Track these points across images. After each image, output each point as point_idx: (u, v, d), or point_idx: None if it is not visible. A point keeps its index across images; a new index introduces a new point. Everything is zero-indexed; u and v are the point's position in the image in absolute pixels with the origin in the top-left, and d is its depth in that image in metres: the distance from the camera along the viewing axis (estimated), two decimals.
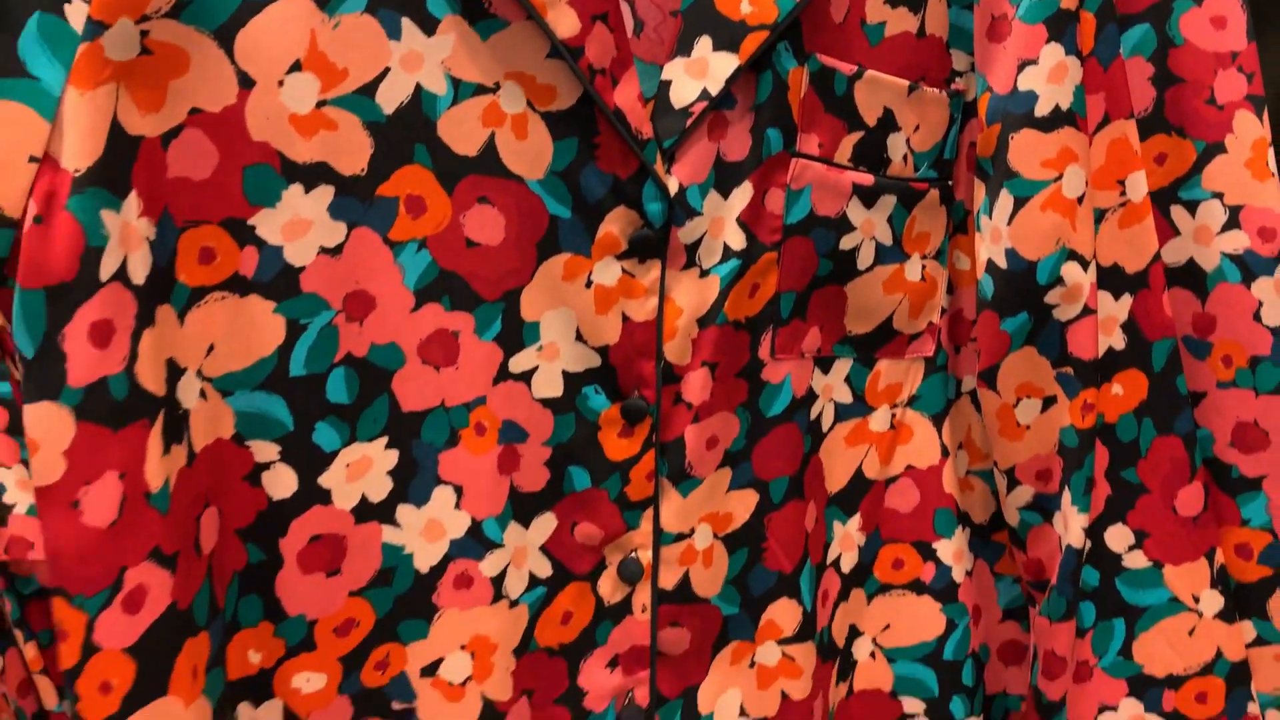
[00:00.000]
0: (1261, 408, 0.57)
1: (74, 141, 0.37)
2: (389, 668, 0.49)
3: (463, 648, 0.50)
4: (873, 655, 0.61)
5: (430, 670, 0.49)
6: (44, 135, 0.37)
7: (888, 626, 0.61)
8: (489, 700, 0.50)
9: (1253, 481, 0.58)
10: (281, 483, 0.45)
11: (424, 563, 0.48)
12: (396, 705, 0.49)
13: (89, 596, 0.40)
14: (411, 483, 0.48)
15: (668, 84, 0.49)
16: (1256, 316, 0.56)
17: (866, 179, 0.53)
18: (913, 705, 0.61)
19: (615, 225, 0.49)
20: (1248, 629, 0.59)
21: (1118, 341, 0.56)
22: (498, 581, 0.50)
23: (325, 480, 0.46)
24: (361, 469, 0.47)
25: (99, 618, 0.40)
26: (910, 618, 0.60)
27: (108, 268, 0.39)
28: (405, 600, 0.48)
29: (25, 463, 0.76)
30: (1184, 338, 0.58)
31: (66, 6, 0.38)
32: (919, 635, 0.60)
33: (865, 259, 0.54)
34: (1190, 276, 0.57)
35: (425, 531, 0.48)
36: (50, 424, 0.38)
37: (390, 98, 0.44)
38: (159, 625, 0.42)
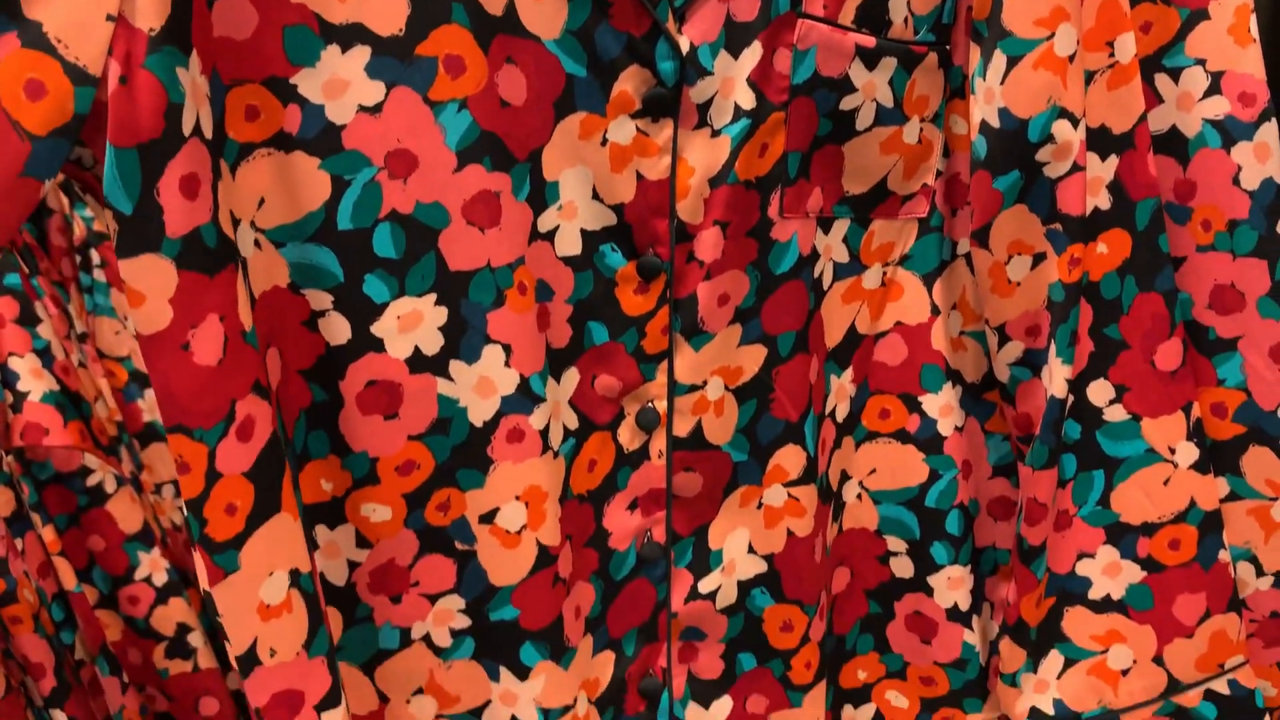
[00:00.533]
0: (1238, 270, 0.68)
1: (145, 1, 0.44)
2: (450, 510, 0.59)
3: (518, 498, 0.60)
4: (859, 497, 0.74)
5: (488, 518, 0.60)
6: None
7: (873, 471, 0.73)
8: (544, 546, 0.61)
9: (1228, 342, 0.69)
10: (336, 330, 0.55)
11: (478, 417, 0.58)
12: (459, 545, 0.60)
13: (208, 429, 0.49)
14: (462, 340, 0.57)
15: None
16: (1235, 180, 0.67)
17: (869, 41, 0.62)
18: (896, 544, 0.74)
19: (629, 84, 0.58)
20: (1221, 485, 0.71)
21: (1103, 201, 0.66)
22: (544, 434, 0.60)
23: (377, 329, 0.55)
24: (412, 322, 0.55)
25: (218, 447, 0.50)
26: (894, 464, 0.73)
27: (188, 123, 0.46)
28: (461, 450, 0.58)
29: (37, 351, 0.86)
30: (1166, 204, 0.68)
31: None
32: (902, 481, 0.73)
33: (865, 120, 0.64)
34: (1172, 143, 0.67)
35: (478, 388, 0.58)
36: (154, 275, 0.46)
37: None
38: (267, 450, 0.52)
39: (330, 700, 0.57)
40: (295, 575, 0.54)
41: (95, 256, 1.06)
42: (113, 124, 0.44)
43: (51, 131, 0.43)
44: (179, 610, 1.00)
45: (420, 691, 0.63)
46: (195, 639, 1.02)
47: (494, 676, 0.62)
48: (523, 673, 0.62)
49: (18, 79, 0.42)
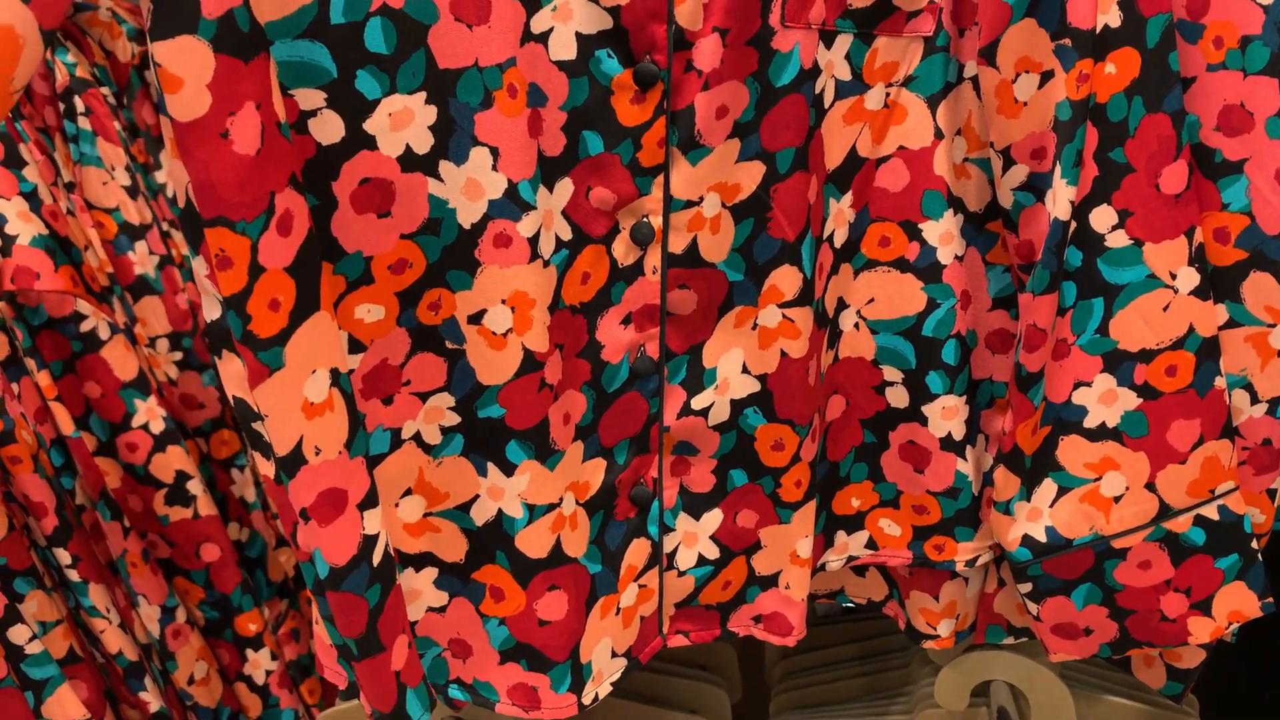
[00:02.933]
0: (1249, 89, 0.68)
1: None
2: (440, 310, 0.62)
3: (504, 301, 0.62)
4: (856, 326, 0.75)
5: (476, 319, 0.62)
6: None
7: (871, 300, 0.74)
8: (529, 350, 0.63)
9: (1235, 165, 0.69)
10: (329, 128, 0.55)
11: (466, 219, 0.60)
12: (449, 345, 0.62)
13: (250, 221, 0.50)
14: (450, 140, 0.58)
15: None
16: None
17: None
18: (892, 374, 0.76)
19: None
20: (1221, 312, 0.72)
21: (1114, 19, 0.65)
22: (533, 242, 0.61)
23: (370, 126, 0.56)
24: (404, 120, 0.56)
25: (260, 240, 0.51)
26: (893, 293, 0.74)
27: None
28: (451, 251, 0.60)
29: (25, 195, 0.85)
30: (1177, 21, 0.67)
31: None
32: (899, 310, 0.74)
33: None
34: None
35: (465, 190, 0.59)
36: (191, 57, 0.47)
37: None
38: (305, 246, 0.54)
39: (370, 501, 0.60)
40: (335, 374, 0.57)
41: (79, 104, 1.04)
42: None
43: None
44: (177, 458, 1.02)
45: (409, 492, 0.66)
46: (194, 486, 1.03)
47: (482, 472, 0.66)
48: (509, 469, 0.65)
49: None
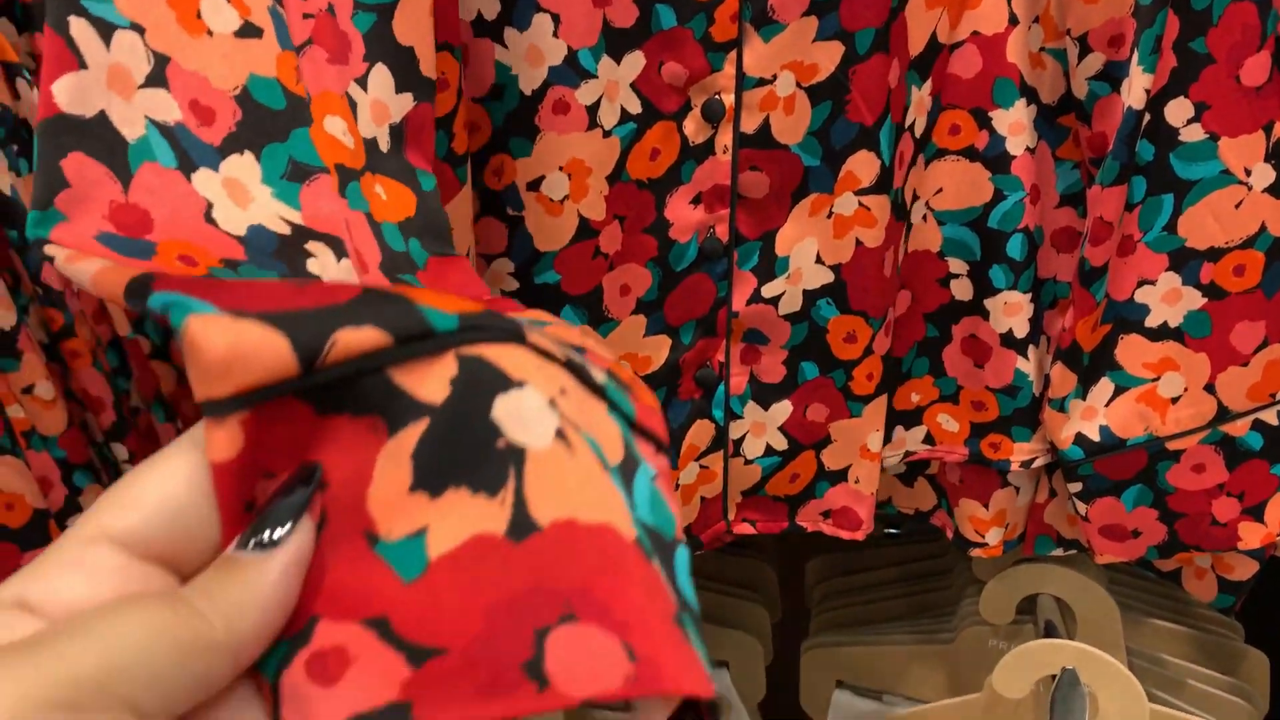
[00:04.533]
0: None
1: None
2: (503, 176, 0.64)
3: (561, 169, 0.64)
4: (924, 218, 0.76)
5: (534, 185, 0.65)
6: None
7: (939, 190, 0.75)
8: (584, 218, 0.66)
9: None
10: None
11: (527, 85, 0.62)
12: (510, 211, 0.65)
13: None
14: (516, 6, 0.60)
15: None
16: None
17: None
18: (958, 266, 0.76)
19: None
20: None
21: None
22: (592, 110, 0.64)
23: None
24: None
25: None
26: (960, 182, 0.74)
27: None
28: (513, 116, 0.63)
29: None
30: None
31: None
32: (967, 200, 0.74)
33: None
34: None
35: (527, 56, 0.61)
36: None
37: None
38: None
39: None
40: None
41: None
42: None
43: None
44: None
45: None
46: None
47: None
48: None
49: None
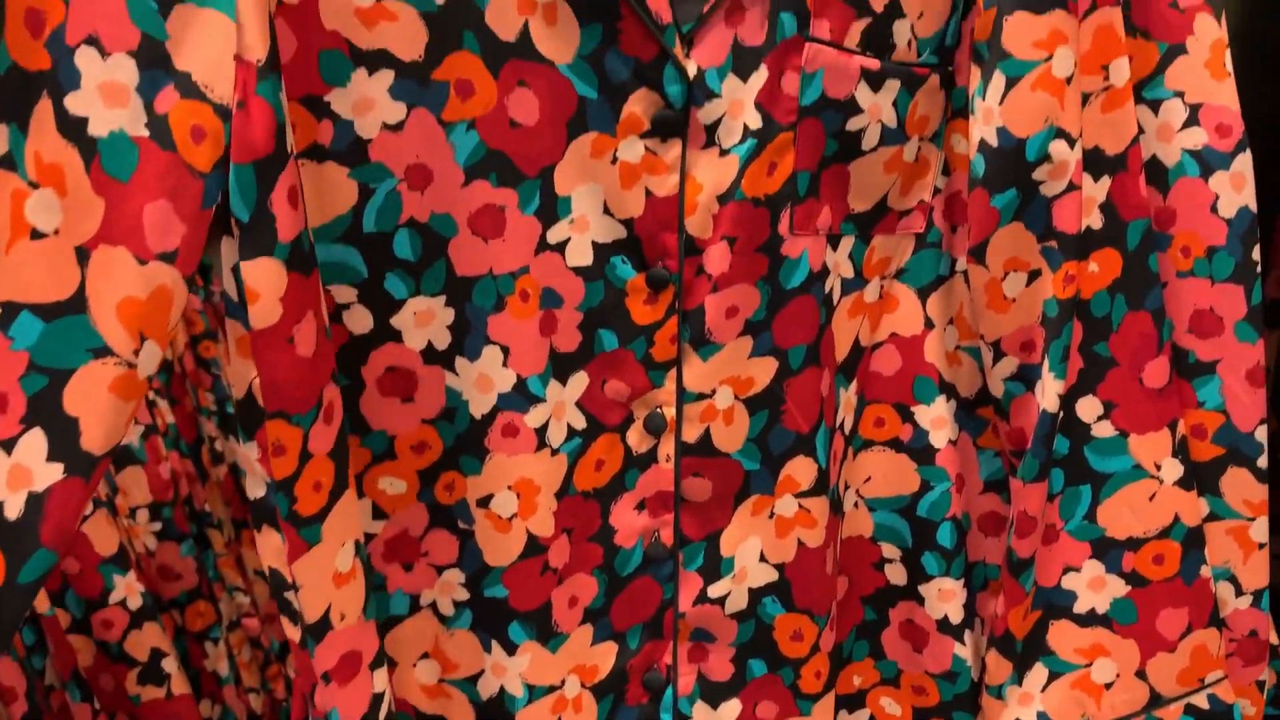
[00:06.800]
0: (1216, 295, 0.74)
1: (251, 36, 0.52)
2: (454, 491, 0.67)
3: (510, 488, 0.67)
4: (856, 505, 0.80)
5: (484, 502, 0.68)
6: (234, 34, 0.51)
7: (869, 479, 0.79)
8: (533, 535, 0.69)
9: (1208, 365, 0.75)
10: (360, 321, 0.63)
11: (477, 410, 0.66)
12: (461, 524, 0.68)
13: (304, 414, 0.57)
14: (466, 339, 0.64)
15: None
16: (1213, 209, 0.73)
17: (873, 64, 0.68)
18: (890, 551, 0.80)
19: (638, 106, 0.64)
20: (1202, 505, 0.77)
21: (1095, 221, 0.72)
22: (541, 432, 0.67)
23: (396, 322, 0.63)
24: (426, 318, 0.64)
25: (311, 430, 0.58)
26: (888, 471, 0.79)
27: (288, 140, 0.55)
28: (464, 438, 0.66)
29: None
30: None
31: None
32: (895, 488, 0.79)
33: (870, 140, 0.70)
34: (1153, 172, 0.73)
35: (477, 383, 0.65)
36: (270, 276, 0.54)
37: None
38: (341, 431, 0.61)
39: (379, 660, 0.66)
40: (357, 544, 0.63)
41: None
42: (234, 144, 0.52)
43: (214, 165, 0.52)
44: (153, 635, 1.02)
45: (426, 656, 0.71)
46: (169, 664, 1.03)
47: (486, 648, 0.70)
48: (510, 648, 0.70)
49: (185, 127, 0.51)
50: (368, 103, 0.58)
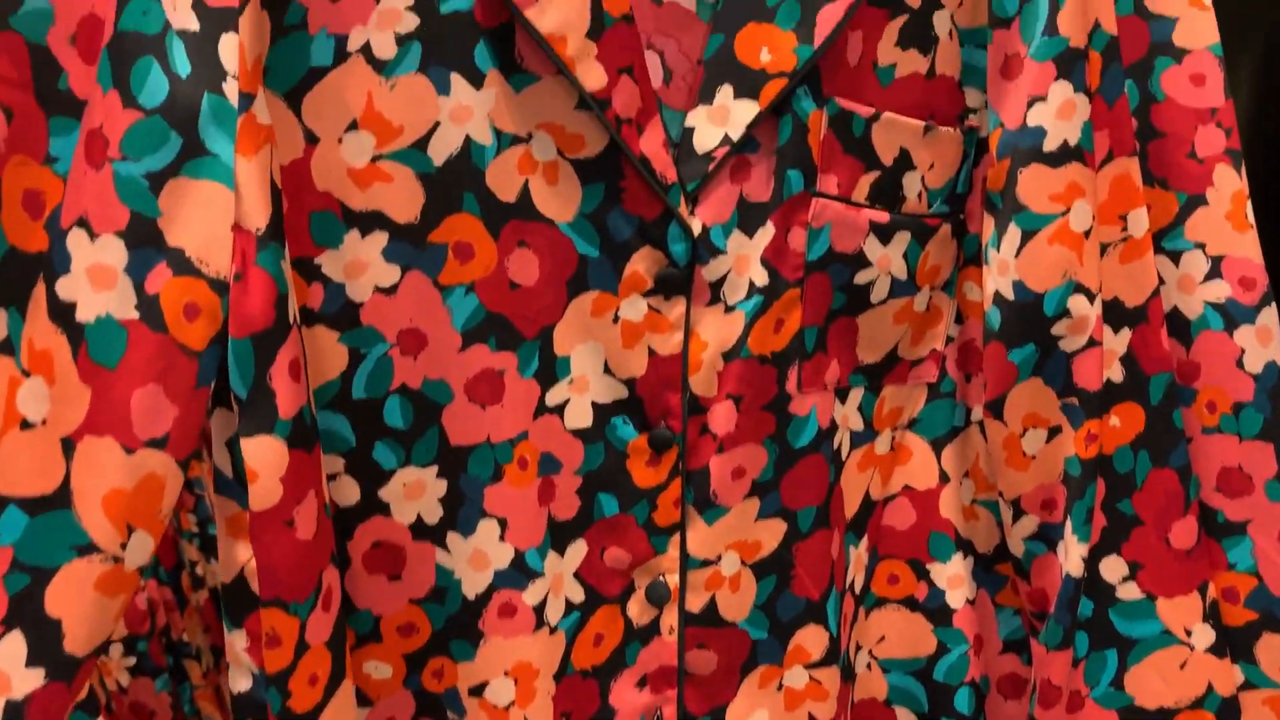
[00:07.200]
0: (1245, 453, 0.71)
1: (251, 204, 0.50)
2: (443, 678, 0.63)
3: (506, 674, 0.63)
4: (869, 666, 0.76)
5: (477, 691, 0.63)
6: (232, 205, 0.50)
7: (882, 638, 0.75)
8: None
9: (1238, 526, 0.72)
10: (346, 492, 0.59)
11: (471, 590, 0.62)
12: (451, 715, 0.63)
13: (302, 602, 0.54)
14: (459, 512, 0.61)
15: (691, 130, 0.62)
16: (1239, 363, 0.71)
17: (882, 216, 0.66)
18: (905, 716, 0.76)
19: (641, 264, 0.62)
20: (1236, 673, 0.73)
21: (1116, 374, 0.70)
22: (539, 610, 0.63)
23: (385, 494, 0.60)
24: (416, 491, 0.60)
25: (309, 619, 0.54)
26: (903, 632, 0.75)
27: (290, 311, 0.52)
28: (455, 620, 0.62)
29: None
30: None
31: (224, 85, 0.49)
32: (911, 650, 0.75)
33: (879, 293, 0.68)
34: (1175, 324, 0.71)
35: (472, 560, 0.62)
36: (268, 455, 0.51)
37: (440, 150, 0.57)
38: (339, 617, 0.57)
39: None
40: None
41: None
42: (231, 317, 0.50)
43: (210, 342, 0.50)
44: None
45: None
46: None
47: None
48: None
49: (177, 305, 0.49)
50: (360, 265, 0.57)
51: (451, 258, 0.58)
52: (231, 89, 0.49)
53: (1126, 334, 0.69)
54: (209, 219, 0.49)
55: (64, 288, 0.48)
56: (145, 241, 0.48)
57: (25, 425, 0.47)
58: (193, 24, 0.49)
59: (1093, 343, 0.67)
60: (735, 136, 0.61)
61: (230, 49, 0.49)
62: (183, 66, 0.49)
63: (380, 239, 0.56)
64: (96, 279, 0.48)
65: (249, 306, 0.50)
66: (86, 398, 0.48)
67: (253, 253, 0.50)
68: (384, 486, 0.60)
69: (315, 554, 0.54)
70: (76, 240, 0.48)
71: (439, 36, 0.55)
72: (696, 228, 0.61)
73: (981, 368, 0.70)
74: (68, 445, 0.48)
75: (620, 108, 0.58)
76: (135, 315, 0.48)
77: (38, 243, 0.48)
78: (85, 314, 0.48)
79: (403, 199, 0.56)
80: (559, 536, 0.64)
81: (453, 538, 0.61)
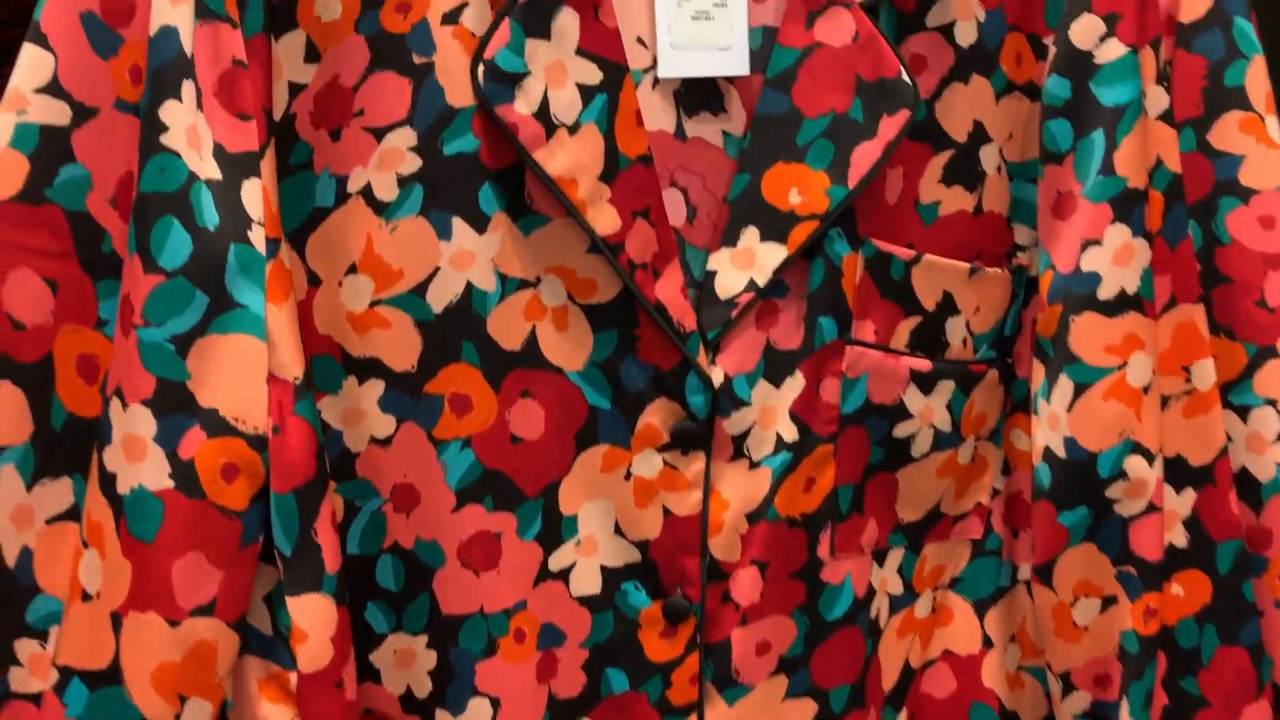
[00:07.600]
0: None
1: (286, 353, 0.50)
2: None
3: None
4: None
5: None
6: (265, 356, 0.49)
7: None
8: None
9: None
10: None
11: None
12: None
13: None
14: (448, 688, 0.57)
15: (713, 274, 0.58)
16: None
17: (924, 365, 0.62)
18: None
19: (656, 417, 0.58)
20: None
21: (1179, 539, 0.64)
22: None
23: (376, 660, 0.57)
24: (406, 661, 0.57)
25: None
26: None
27: (326, 462, 0.52)
28: None
29: None
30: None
31: (249, 232, 0.49)
32: None
33: (921, 446, 0.63)
34: (1244, 486, 0.65)
35: None
36: (319, 614, 0.51)
37: (440, 296, 0.54)
38: None
39: None
40: None
41: None
42: (273, 471, 0.49)
43: (251, 500, 0.49)
44: None
45: None
46: None
47: None
48: None
49: (214, 468, 0.48)
50: (357, 414, 0.55)
51: (448, 410, 0.55)
52: (258, 236, 0.49)
53: (1191, 495, 0.63)
54: (242, 374, 0.49)
55: (108, 458, 0.48)
56: (175, 407, 0.48)
57: (85, 597, 0.49)
58: (216, 173, 0.49)
59: (1152, 508, 0.62)
60: (761, 282, 0.57)
61: (254, 195, 0.49)
62: (210, 218, 0.48)
63: (377, 387, 0.54)
64: (129, 450, 0.48)
65: (290, 459, 0.50)
66: (129, 573, 0.48)
67: (290, 402, 0.50)
68: (375, 651, 0.57)
69: (355, 712, 0.53)
70: (115, 410, 0.48)
71: (442, 179, 0.53)
72: (717, 378, 0.58)
73: (1030, 523, 0.65)
74: (116, 620, 0.48)
75: (634, 253, 0.55)
76: (170, 484, 0.48)
77: (94, 408, 0.49)
78: (123, 486, 0.48)
79: (400, 346, 0.54)
80: (561, 717, 0.59)
81: (441, 716, 0.57)
